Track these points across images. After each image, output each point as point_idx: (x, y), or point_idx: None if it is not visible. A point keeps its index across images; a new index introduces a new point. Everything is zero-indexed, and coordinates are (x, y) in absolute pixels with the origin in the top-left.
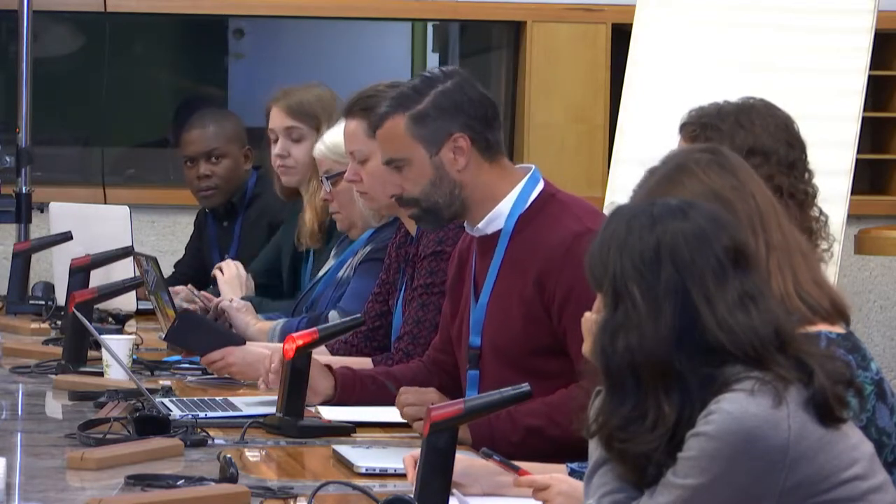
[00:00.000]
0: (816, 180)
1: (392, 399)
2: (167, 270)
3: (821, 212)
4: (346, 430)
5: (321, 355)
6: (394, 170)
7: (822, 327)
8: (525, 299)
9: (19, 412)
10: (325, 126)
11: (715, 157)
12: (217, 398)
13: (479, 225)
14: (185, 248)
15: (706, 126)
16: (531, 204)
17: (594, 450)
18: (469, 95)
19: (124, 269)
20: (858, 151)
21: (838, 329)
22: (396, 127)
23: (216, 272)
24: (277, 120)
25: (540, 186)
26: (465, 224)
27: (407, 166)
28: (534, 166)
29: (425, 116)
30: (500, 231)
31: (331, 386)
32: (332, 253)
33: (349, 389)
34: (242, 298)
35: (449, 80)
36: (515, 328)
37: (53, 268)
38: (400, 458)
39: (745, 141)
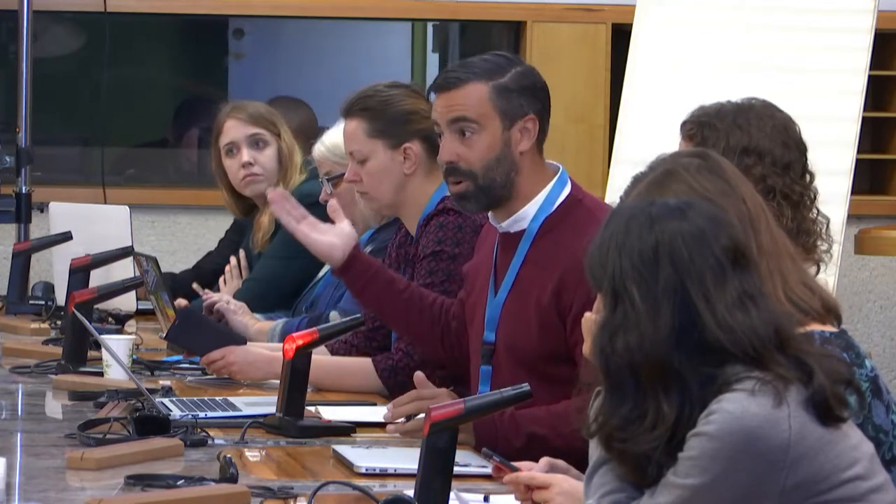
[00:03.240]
0: (816, 181)
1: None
2: (167, 270)
3: (819, 212)
4: (346, 430)
5: (321, 355)
6: (456, 133)
7: (815, 327)
8: (542, 305)
9: (19, 412)
10: (283, 132)
11: (704, 163)
12: (217, 398)
13: (504, 223)
14: (218, 242)
15: (704, 125)
16: (557, 208)
17: (594, 450)
18: (542, 84)
19: (124, 269)
20: (858, 151)
21: (830, 328)
22: (478, 92)
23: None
24: (238, 130)
25: (567, 190)
26: (490, 215)
27: (478, 134)
28: (561, 167)
29: (508, 90)
30: (523, 231)
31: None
32: None
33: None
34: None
35: (523, 64)
36: (530, 331)
37: (53, 268)
38: (400, 459)
39: (739, 141)
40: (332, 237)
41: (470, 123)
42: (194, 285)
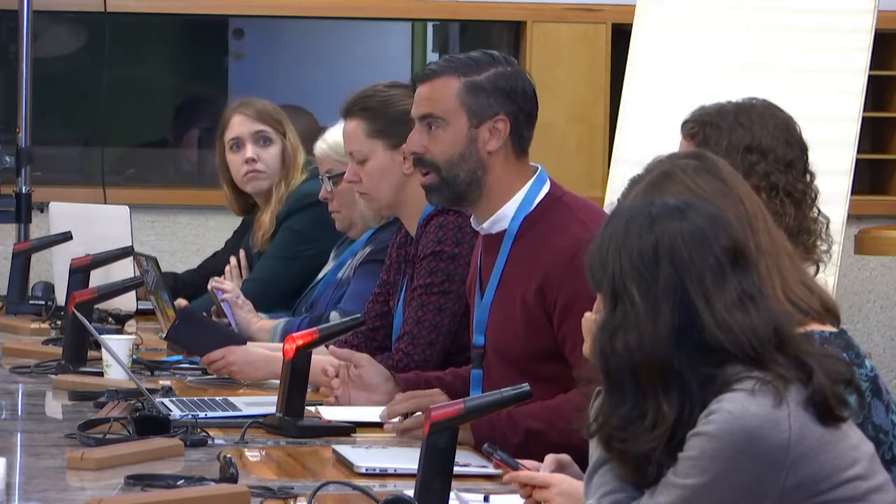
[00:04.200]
0: (816, 180)
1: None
2: (168, 270)
3: (819, 212)
4: (346, 430)
5: (322, 355)
6: (424, 127)
7: (814, 327)
8: (527, 303)
9: (19, 412)
10: (289, 132)
11: (701, 163)
12: (217, 398)
13: (484, 225)
14: (225, 242)
15: (705, 124)
16: (536, 206)
17: (594, 450)
18: (523, 87)
19: (124, 269)
20: (858, 151)
21: (830, 328)
22: (448, 87)
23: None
24: (244, 126)
25: (546, 188)
26: (471, 218)
27: (442, 129)
28: (540, 167)
29: (480, 88)
30: (504, 231)
31: (392, 389)
32: (332, 254)
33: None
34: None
35: (510, 66)
36: (517, 331)
37: (53, 268)
38: (400, 459)
39: (742, 139)
40: (375, 396)
41: (435, 119)
42: (211, 283)
